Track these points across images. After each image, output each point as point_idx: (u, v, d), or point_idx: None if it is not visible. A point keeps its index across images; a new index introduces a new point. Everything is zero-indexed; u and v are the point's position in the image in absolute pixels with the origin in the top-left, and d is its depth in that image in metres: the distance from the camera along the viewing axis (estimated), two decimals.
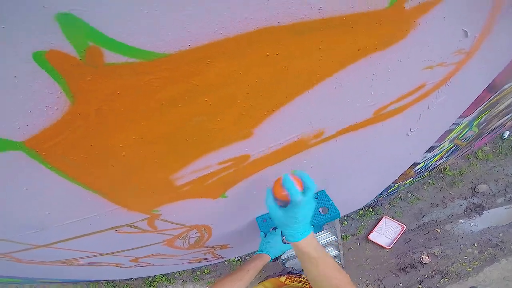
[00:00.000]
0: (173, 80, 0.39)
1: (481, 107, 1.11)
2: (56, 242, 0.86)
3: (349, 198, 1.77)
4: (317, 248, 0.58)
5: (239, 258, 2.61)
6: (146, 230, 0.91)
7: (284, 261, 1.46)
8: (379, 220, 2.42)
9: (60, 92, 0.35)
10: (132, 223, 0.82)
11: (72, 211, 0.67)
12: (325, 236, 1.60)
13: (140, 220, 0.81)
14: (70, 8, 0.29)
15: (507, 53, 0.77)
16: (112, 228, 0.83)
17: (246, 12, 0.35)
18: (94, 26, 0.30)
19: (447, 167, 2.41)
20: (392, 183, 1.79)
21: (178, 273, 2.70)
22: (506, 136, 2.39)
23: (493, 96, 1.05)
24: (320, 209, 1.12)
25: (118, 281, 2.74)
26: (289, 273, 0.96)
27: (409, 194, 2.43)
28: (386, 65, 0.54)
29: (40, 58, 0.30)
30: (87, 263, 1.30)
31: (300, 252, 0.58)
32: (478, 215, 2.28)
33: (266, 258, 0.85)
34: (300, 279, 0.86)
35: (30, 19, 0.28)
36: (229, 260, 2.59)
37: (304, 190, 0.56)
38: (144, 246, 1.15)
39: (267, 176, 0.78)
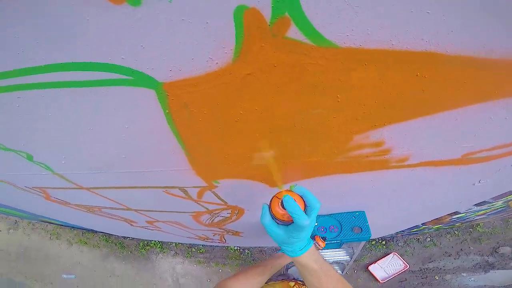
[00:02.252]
0: (328, 70, 0.39)
1: None
2: (101, 188, 0.88)
3: (376, 226, 1.73)
4: (319, 261, 0.55)
5: (237, 248, 2.64)
6: (192, 198, 0.94)
7: (288, 266, 1.46)
8: (386, 254, 2.36)
9: (231, 49, 0.35)
10: (186, 187, 0.84)
11: (145, 161, 0.70)
12: (339, 255, 1.58)
13: (195, 187, 0.83)
14: None
15: None
16: (166, 187, 0.85)
17: (425, 35, 0.34)
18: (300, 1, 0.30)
19: (481, 224, 2.28)
20: (421, 224, 1.72)
21: (174, 244, 2.77)
22: None
23: None
24: (355, 228, 1.10)
25: (114, 236, 2.85)
26: (294, 279, 0.95)
27: (429, 239, 2.34)
28: (506, 113, 0.51)
29: (240, 12, 0.31)
30: (106, 214, 1.34)
31: (300, 266, 0.56)
32: (484, 273, 2.19)
33: (288, 259, 0.85)
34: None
35: None
36: (228, 247, 2.63)
37: (308, 209, 0.51)
38: (174, 211, 1.18)
39: (329, 182, 0.78)
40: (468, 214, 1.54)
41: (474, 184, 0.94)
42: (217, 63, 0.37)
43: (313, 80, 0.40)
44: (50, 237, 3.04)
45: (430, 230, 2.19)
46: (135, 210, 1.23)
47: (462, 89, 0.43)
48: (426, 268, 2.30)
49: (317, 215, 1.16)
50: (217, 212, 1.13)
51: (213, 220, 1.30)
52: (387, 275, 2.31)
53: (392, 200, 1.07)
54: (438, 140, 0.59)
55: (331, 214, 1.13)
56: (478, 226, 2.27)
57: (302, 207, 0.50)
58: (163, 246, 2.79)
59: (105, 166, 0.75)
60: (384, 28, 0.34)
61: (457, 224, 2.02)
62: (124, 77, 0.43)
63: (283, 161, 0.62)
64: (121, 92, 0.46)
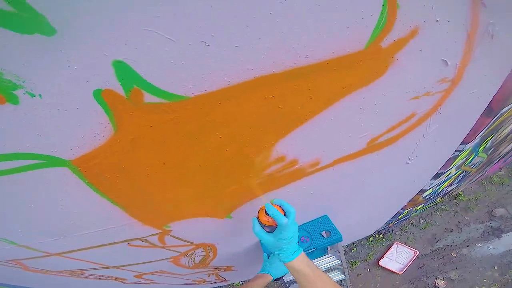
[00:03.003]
0: (192, 118, 0.49)
1: (482, 132, 1.14)
2: (69, 252, 0.92)
3: (356, 224, 1.76)
4: (310, 266, 0.63)
5: (243, 282, 2.53)
6: (156, 245, 0.97)
7: (287, 284, 1.44)
8: (389, 246, 2.33)
9: (108, 123, 0.44)
10: (144, 237, 0.88)
11: (94, 222, 0.75)
12: (329, 260, 1.57)
13: (152, 235, 0.87)
14: (123, 57, 0.39)
15: (496, 79, 0.81)
16: (126, 240, 0.89)
17: (249, 65, 0.45)
18: (139, 72, 0.40)
19: (461, 193, 2.34)
20: (401, 209, 1.77)
21: None
22: None
23: (492, 121, 1.08)
24: (323, 233, 1.14)
25: None
26: None
27: (421, 220, 2.36)
28: (371, 99, 0.61)
29: (98, 95, 0.41)
30: (92, 275, 1.32)
31: (295, 271, 0.63)
32: (497, 238, 2.17)
33: (268, 278, 0.88)
34: None
35: (94, 64, 0.39)
36: (232, 284, 2.52)
37: (286, 214, 0.63)
38: (151, 261, 1.19)
39: (268, 200, 0.84)
40: (436, 189, 1.62)
41: (407, 163, 1.03)
42: (103, 136, 0.46)
43: (187, 128, 0.50)
44: None
45: (417, 212, 2.22)
46: (116, 267, 1.22)
47: (311, 94, 0.53)
48: (437, 248, 2.27)
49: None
50: (190, 252, 1.15)
51: (195, 261, 1.31)
52: (402, 266, 2.25)
53: (346, 199, 1.13)
54: (331, 140, 0.68)
55: (299, 225, 1.17)
56: (460, 196, 2.33)
57: (282, 214, 0.63)
58: None
59: (61, 233, 0.79)
60: (216, 73, 0.44)
61: (438, 199, 2.08)
62: (38, 161, 0.51)
63: (209, 195, 0.69)
64: (43, 173, 0.54)
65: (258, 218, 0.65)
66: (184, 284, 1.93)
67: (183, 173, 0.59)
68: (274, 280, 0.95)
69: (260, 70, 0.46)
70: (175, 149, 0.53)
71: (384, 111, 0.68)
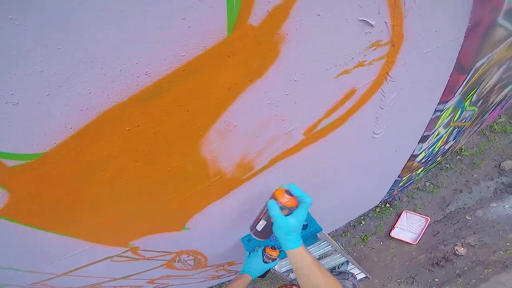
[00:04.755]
0: (63, 169, 0.47)
1: (460, 89, 1.03)
2: (71, 271, 0.97)
3: (353, 200, 1.71)
4: (310, 254, 0.62)
5: None
6: (137, 258, 1.00)
7: (287, 274, 1.44)
8: (399, 215, 2.26)
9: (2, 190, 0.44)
10: (119, 254, 0.91)
11: (60, 250, 0.77)
12: (322, 246, 1.55)
13: (125, 252, 0.90)
14: None
15: (454, 33, 0.70)
16: (106, 258, 0.92)
17: (87, 104, 0.39)
18: None
19: (463, 148, 2.18)
20: (398, 177, 1.69)
21: None
22: None
23: (469, 76, 0.97)
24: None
25: None
26: (290, 283, 0.95)
27: (427, 183, 2.24)
28: (278, 90, 0.52)
29: None
30: (111, 287, 1.41)
31: (300, 259, 0.61)
32: (511, 196, 2.02)
33: (248, 278, 0.88)
34: None
35: None
36: None
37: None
38: (147, 270, 1.24)
39: (219, 208, 0.82)
40: (429, 152, 1.51)
41: (374, 138, 0.95)
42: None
43: (66, 178, 0.48)
44: None
45: (419, 175, 2.12)
46: (123, 278, 1.29)
47: (191, 109, 0.47)
48: (450, 213, 2.15)
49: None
50: (177, 258, 1.18)
51: (189, 264, 1.35)
52: (415, 235, 2.17)
53: (329, 185, 1.08)
54: (251, 144, 0.62)
55: None
56: (463, 150, 2.16)
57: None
58: None
59: (45, 258, 0.82)
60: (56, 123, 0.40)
61: (439, 158, 1.96)
62: None
63: (149, 215, 0.68)
64: None
65: (279, 200, 0.62)
66: (200, 282, 2.02)
67: (103, 204, 0.58)
68: (259, 277, 0.95)
69: (100, 106, 0.40)
70: (77, 188, 0.51)
71: (305, 98, 0.59)
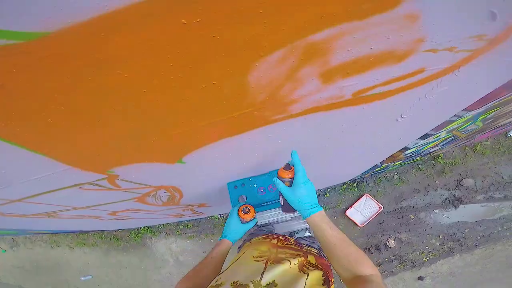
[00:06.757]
0: (72, 56, 0.33)
1: (491, 103, 0.99)
2: (26, 197, 0.87)
3: (332, 172, 1.76)
4: (327, 223, 0.62)
5: (221, 215, 2.71)
6: (110, 188, 0.90)
7: (295, 232, 1.35)
8: (360, 196, 2.45)
9: None
10: (92, 181, 0.79)
11: (26, 171, 0.65)
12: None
13: (100, 179, 0.79)
14: None
15: None
16: (75, 185, 0.81)
17: None
18: None
19: (441, 155, 2.34)
20: (380, 163, 1.75)
21: (162, 226, 2.84)
22: (511, 134, 2.27)
23: (509, 94, 0.92)
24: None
25: (106, 232, 2.91)
26: (276, 234, 0.89)
27: (396, 176, 2.42)
28: (366, 40, 0.43)
29: None
30: (67, 216, 1.34)
31: (316, 228, 0.61)
32: (453, 208, 2.31)
33: (227, 244, 0.81)
34: (289, 243, 0.80)
35: None
36: (211, 216, 2.70)
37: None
38: (114, 202, 1.16)
39: (226, 147, 0.73)
40: (419, 148, 1.56)
41: (397, 120, 0.90)
42: None
43: (72, 69, 0.32)
44: (51, 246, 3.15)
45: (395, 167, 2.26)
46: (86, 207, 1.21)
47: (268, 22, 0.34)
48: (400, 208, 2.40)
49: (255, 176, 1.11)
50: (153, 193, 1.12)
51: (162, 200, 1.30)
52: (365, 219, 2.42)
53: (322, 148, 1.05)
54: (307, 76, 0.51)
55: (267, 173, 1.10)
56: (439, 158, 2.33)
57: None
58: (152, 230, 2.87)
59: (2, 182, 0.70)
60: None
61: (418, 158, 2.07)
62: None
63: (149, 140, 0.56)
64: None
65: (279, 177, 0.65)
66: (162, 218, 2.05)
67: (97, 117, 0.44)
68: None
69: None
70: (73, 87, 0.36)
71: (379, 58, 0.49)
